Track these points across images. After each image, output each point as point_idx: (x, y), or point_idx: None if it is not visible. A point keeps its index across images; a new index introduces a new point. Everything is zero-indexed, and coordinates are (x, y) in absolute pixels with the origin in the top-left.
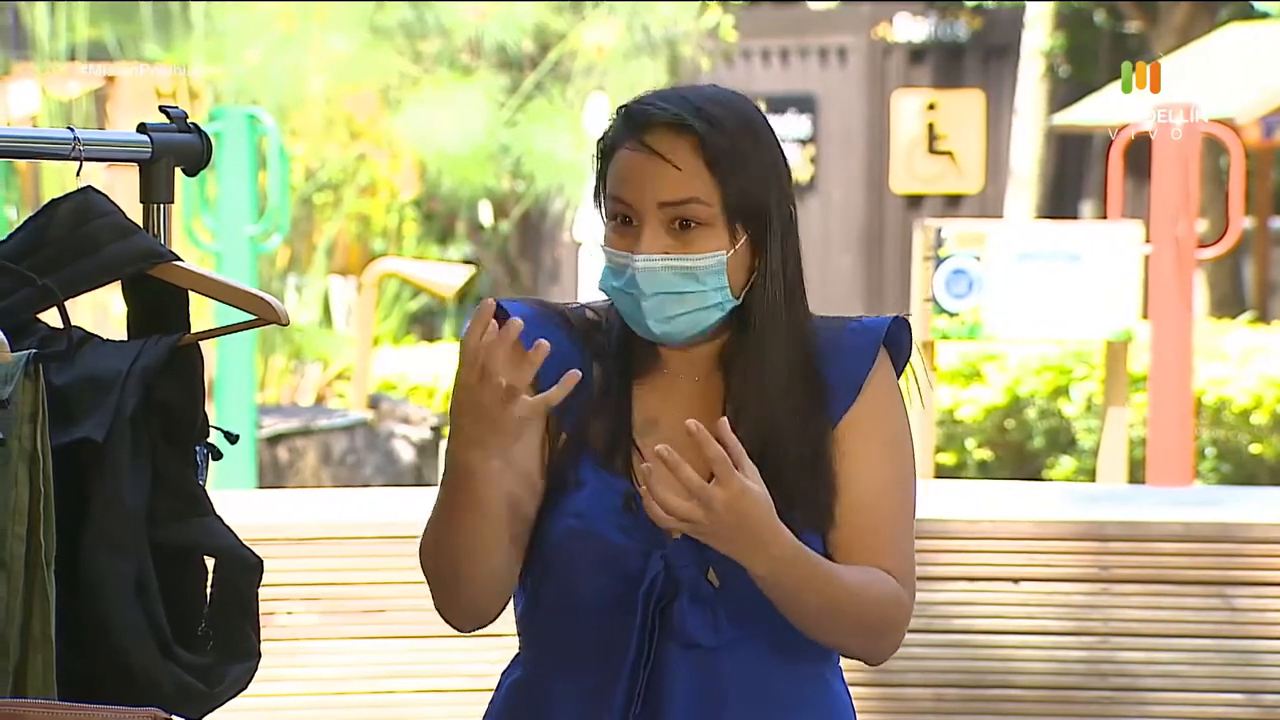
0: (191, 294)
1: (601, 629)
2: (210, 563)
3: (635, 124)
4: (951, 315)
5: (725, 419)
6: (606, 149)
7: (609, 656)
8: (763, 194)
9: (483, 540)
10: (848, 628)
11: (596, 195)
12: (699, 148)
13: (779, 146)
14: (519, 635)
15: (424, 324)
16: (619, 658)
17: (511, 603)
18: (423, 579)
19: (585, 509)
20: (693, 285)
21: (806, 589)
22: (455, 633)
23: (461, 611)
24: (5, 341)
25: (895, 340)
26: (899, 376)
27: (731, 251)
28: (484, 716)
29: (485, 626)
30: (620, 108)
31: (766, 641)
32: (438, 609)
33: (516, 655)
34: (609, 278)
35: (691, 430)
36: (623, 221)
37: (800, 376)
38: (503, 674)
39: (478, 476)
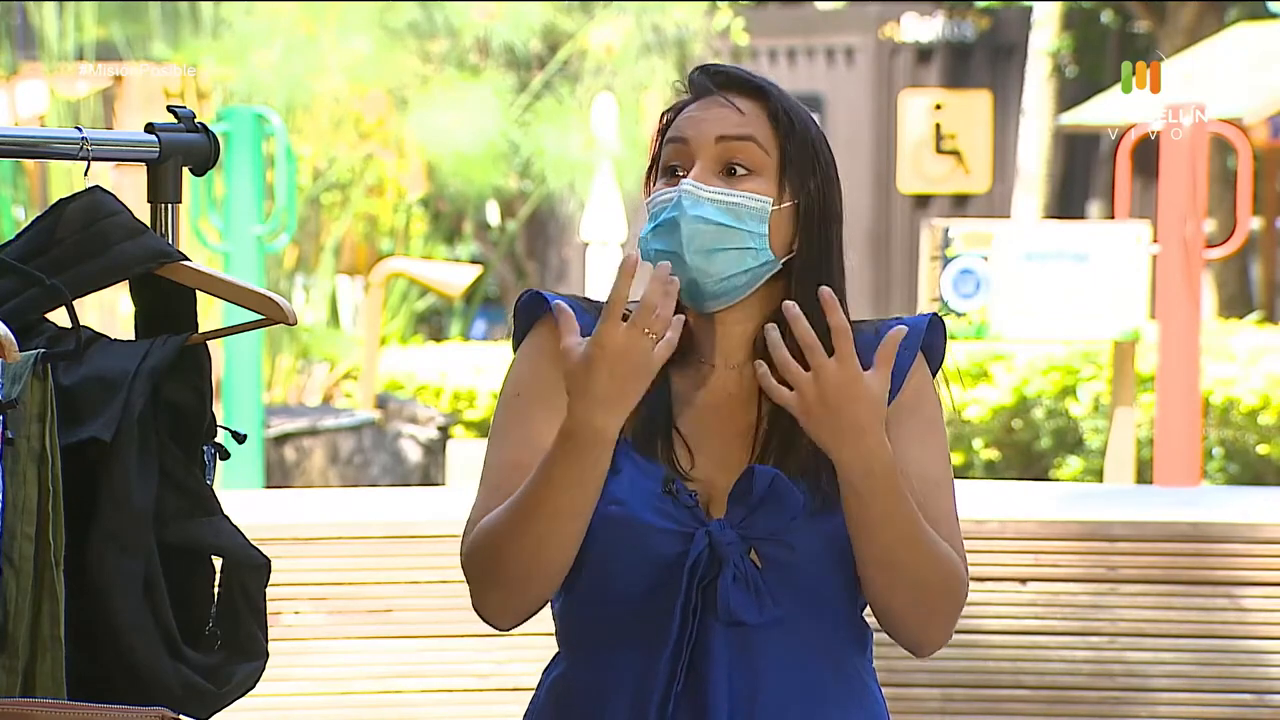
0: (199, 294)
1: (643, 612)
2: (218, 562)
3: (704, 79)
4: (958, 315)
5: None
6: (669, 121)
7: (652, 638)
8: (817, 179)
9: (576, 524)
10: (914, 576)
11: (649, 176)
12: (764, 102)
13: (831, 156)
14: (559, 632)
15: (431, 324)
16: (662, 637)
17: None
18: (429, 579)
19: (623, 495)
20: (732, 221)
21: (894, 506)
22: (462, 633)
23: (515, 606)
24: (14, 341)
25: (931, 338)
26: (934, 374)
27: (777, 207)
28: (524, 717)
29: (523, 624)
30: (692, 71)
31: (808, 622)
32: (480, 606)
33: (556, 654)
34: (649, 223)
35: (825, 298)
36: (672, 173)
37: None
38: (544, 672)
39: (607, 440)
